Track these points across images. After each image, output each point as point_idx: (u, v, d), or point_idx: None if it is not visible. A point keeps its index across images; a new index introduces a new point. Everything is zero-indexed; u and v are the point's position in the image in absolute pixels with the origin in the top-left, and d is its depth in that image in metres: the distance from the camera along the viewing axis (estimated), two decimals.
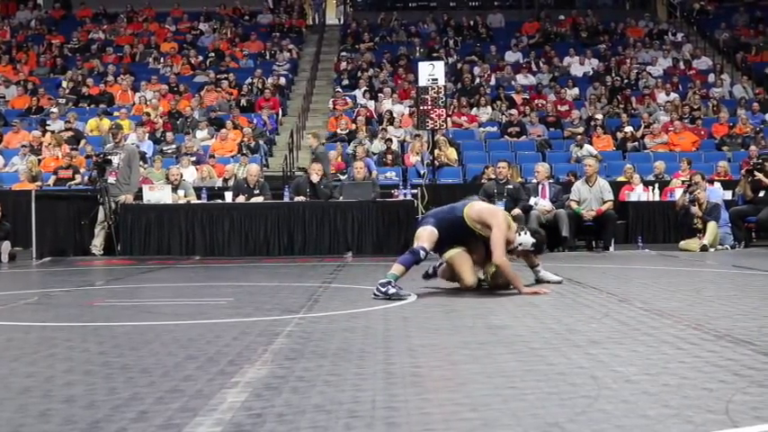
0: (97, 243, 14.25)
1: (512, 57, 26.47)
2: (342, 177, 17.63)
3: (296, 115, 23.63)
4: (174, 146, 20.28)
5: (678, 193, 15.35)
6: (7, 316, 6.84)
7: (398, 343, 5.21)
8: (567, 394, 3.69)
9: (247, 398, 3.69)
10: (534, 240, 8.09)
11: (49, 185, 18.40)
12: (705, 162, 19.09)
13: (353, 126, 21.48)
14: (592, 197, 14.50)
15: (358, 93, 23.85)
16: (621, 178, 17.65)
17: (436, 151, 18.65)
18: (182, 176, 15.95)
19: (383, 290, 7.44)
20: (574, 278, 9.20)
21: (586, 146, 19.91)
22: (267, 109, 22.64)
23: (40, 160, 19.49)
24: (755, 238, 15.44)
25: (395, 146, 20.22)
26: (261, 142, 20.86)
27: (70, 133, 20.94)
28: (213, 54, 26.29)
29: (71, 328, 6.08)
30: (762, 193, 14.91)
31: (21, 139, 20.81)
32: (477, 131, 21.89)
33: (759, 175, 14.95)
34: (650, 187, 16.64)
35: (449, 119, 19.73)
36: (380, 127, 21.35)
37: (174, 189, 14.93)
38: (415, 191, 15.39)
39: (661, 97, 23.54)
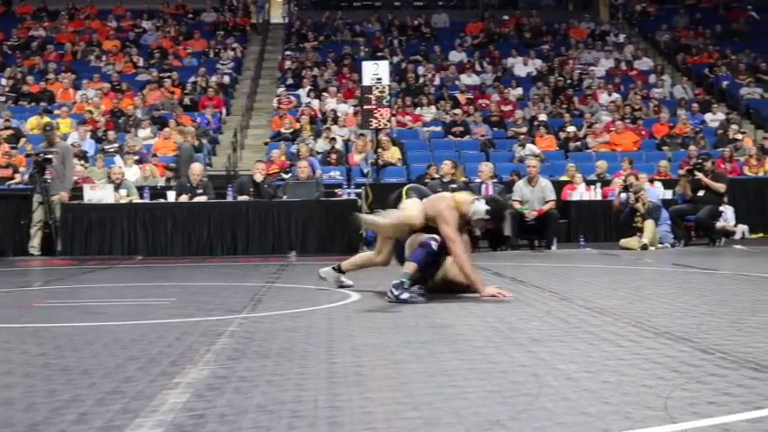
0: (35, 243, 14.06)
1: (456, 57, 26.57)
2: (285, 177, 17.57)
3: (240, 114, 23.51)
4: (116, 145, 20.04)
5: (615, 193, 15.56)
6: None
7: (341, 342, 5.21)
8: (509, 392, 3.71)
9: (189, 398, 3.66)
10: (488, 208, 7.46)
11: None
12: (646, 162, 19.30)
13: (297, 125, 21.40)
14: (534, 197, 14.62)
15: (302, 92, 23.77)
16: (564, 178, 17.79)
17: (379, 150, 18.67)
18: (124, 175, 15.81)
19: (396, 293, 7.02)
20: (516, 277, 9.26)
21: (529, 145, 20.06)
22: (211, 108, 22.48)
23: None
24: (695, 237, 15.69)
25: (339, 145, 20.18)
26: (204, 141, 20.71)
27: (9, 132, 20.61)
28: (156, 52, 26.04)
29: (9, 330, 5.99)
30: (701, 193, 15.12)
31: None
32: (421, 131, 21.93)
33: (699, 175, 15.15)
34: (592, 186, 16.81)
35: (393, 118, 19.74)
36: (324, 126, 21.29)
37: (116, 188, 14.81)
38: (359, 190, 15.39)
39: (603, 97, 23.78)
